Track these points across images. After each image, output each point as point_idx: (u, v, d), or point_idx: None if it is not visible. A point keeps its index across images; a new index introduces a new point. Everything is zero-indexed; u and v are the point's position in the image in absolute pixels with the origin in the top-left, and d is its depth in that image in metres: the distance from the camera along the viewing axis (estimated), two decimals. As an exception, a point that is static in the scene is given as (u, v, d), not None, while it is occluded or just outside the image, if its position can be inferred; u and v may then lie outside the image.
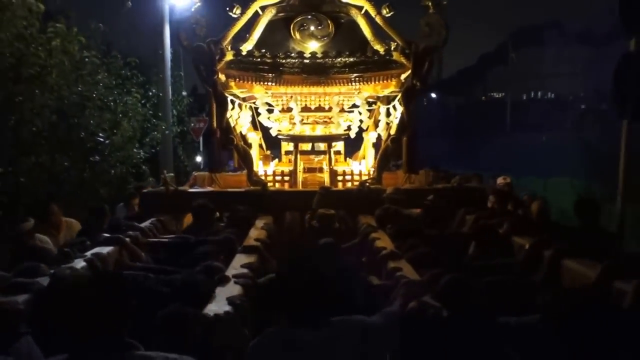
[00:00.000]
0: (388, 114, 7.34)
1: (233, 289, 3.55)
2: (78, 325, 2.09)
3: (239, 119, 7.51)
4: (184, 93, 13.42)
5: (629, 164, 5.24)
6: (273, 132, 7.67)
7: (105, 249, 4.58)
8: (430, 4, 6.58)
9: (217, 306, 3.21)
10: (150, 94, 11.91)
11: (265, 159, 7.78)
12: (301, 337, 2.27)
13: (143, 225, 5.53)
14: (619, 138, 5.28)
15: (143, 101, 10.77)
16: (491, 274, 3.55)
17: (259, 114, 7.56)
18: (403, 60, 6.66)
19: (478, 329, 2.59)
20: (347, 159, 7.99)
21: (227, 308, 3.17)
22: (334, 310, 2.39)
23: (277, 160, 8.08)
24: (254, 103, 7.59)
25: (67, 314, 2.93)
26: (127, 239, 4.84)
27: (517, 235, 4.71)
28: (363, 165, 7.66)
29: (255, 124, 7.92)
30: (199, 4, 6.88)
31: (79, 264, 4.13)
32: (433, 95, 38.82)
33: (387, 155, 6.85)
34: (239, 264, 4.17)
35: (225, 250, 4.46)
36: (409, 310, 2.87)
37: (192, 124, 15.02)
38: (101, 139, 8.68)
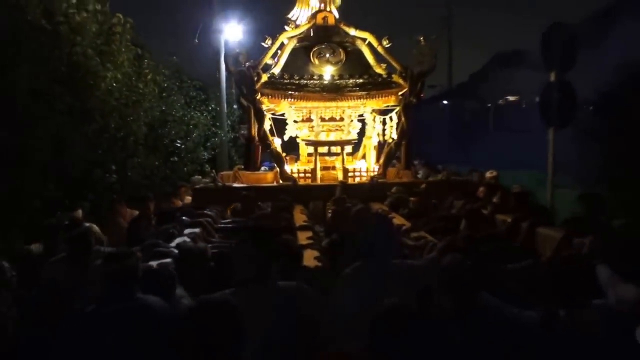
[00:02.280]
0: (384, 123, 9.10)
1: (313, 252, 5.12)
2: (232, 272, 3.12)
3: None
4: (235, 106, 15.28)
5: (554, 157, 6.80)
6: (286, 138, 9.30)
7: (195, 230, 6.13)
8: (421, 38, 8.38)
9: (311, 262, 4.78)
10: (210, 108, 14.68)
11: (291, 160, 9.40)
12: (372, 270, 3.10)
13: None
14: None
15: (204, 114, 13.70)
16: (483, 243, 5.05)
17: (285, 123, 9.19)
18: (401, 81, 8.47)
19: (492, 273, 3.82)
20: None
21: (318, 263, 4.74)
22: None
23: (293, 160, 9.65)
24: (279, 115, 9.18)
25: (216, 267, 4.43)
26: (205, 223, 6.42)
27: (499, 214, 6.35)
28: (364, 163, 9.40)
29: (273, 131, 9.47)
30: (242, 37, 8.53)
31: (184, 239, 5.65)
32: (445, 102, 39.86)
33: (390, 155, 8.64)
34: (303, 236, 5.76)
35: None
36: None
37: (243, 131, 16.82)
38: (178, 145, 11.58)
